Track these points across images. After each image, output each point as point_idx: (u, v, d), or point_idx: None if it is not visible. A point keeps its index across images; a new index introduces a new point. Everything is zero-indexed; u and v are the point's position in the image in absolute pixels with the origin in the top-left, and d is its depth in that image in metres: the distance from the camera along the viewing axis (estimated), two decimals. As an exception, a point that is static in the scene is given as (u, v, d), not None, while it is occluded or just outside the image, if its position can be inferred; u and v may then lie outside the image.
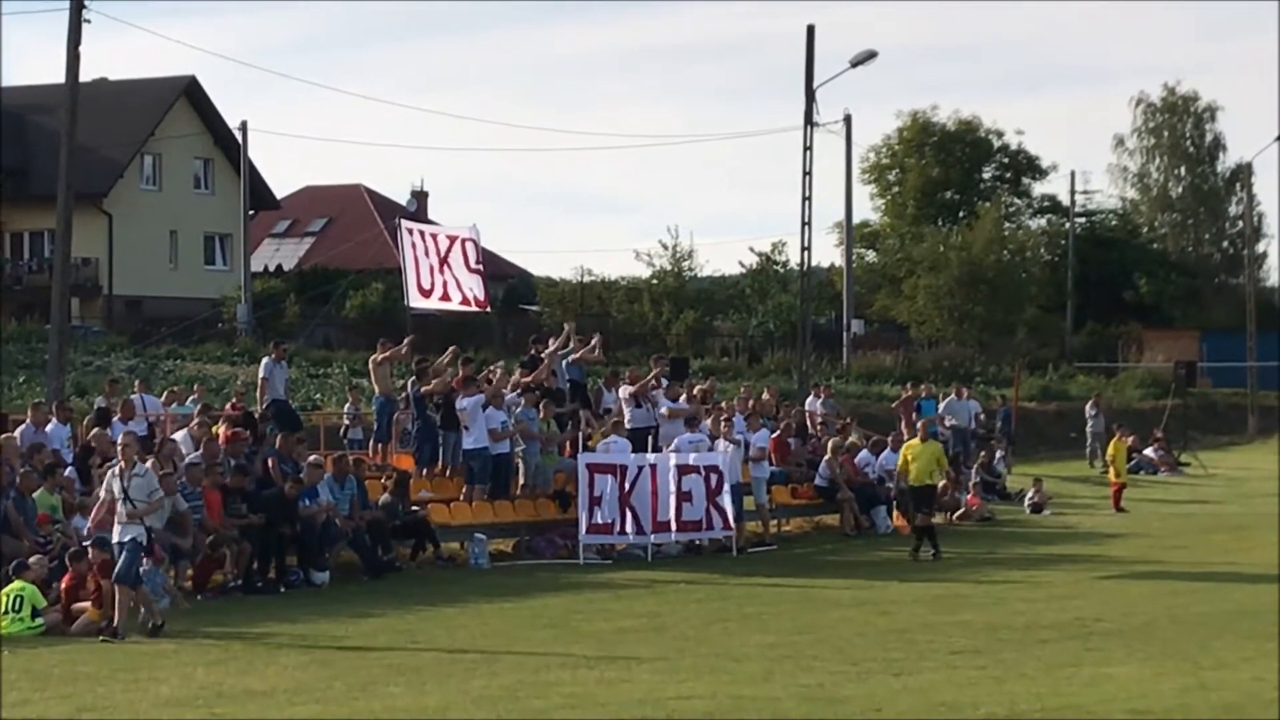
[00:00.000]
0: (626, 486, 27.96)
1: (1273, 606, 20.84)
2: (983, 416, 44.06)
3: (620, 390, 31.95)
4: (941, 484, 36.38)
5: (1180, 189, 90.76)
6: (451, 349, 30.73)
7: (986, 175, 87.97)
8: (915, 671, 16.30)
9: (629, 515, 27.89)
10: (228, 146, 72.32)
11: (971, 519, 34.76)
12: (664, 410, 30.92)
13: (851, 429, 36.86)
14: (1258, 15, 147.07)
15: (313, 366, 51.99)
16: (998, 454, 41.39)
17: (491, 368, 32.19)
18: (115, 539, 19.47)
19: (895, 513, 31.76)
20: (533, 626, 20.15)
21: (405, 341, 29.62)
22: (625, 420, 30.69)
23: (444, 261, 30.06)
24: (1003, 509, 37.11)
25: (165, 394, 34.21)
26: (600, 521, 27.82)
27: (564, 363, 31.77)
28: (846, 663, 16.88)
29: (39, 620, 19.69)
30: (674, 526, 28.20)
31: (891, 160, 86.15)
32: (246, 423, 27.41)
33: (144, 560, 19.51)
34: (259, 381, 29.87)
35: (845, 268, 68.68)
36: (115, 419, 27.25)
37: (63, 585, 20.36)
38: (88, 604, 19.91)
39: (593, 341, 32.57)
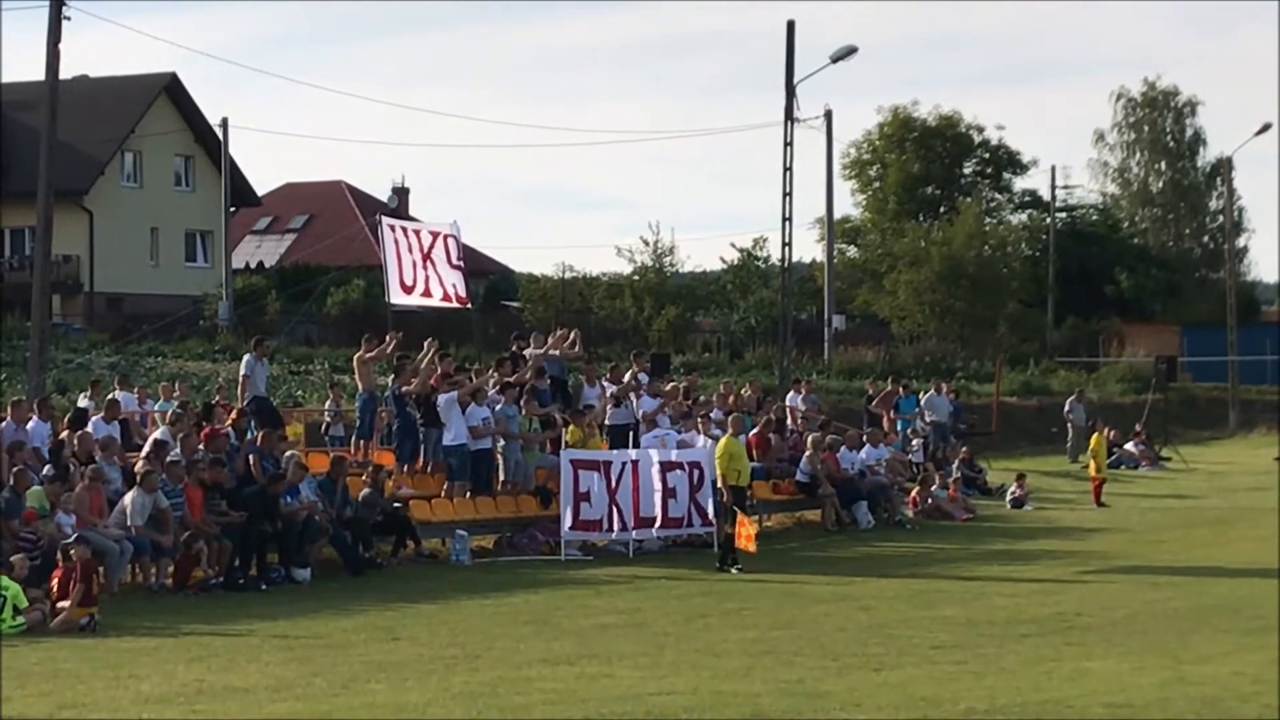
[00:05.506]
0: (613, 482, 27.95)
1: (1252, 600, 20.92)
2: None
3: (603, 387, 31.97)
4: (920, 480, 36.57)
5: (1161, 184, 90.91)
6: (429, 342, 30.43)
7: (967, 170, 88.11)
8: (895, 667, 16.31)
9: (615, 511, 27.88)
10: (208, 143, 72.27)
11: (955, 516, 34.65)
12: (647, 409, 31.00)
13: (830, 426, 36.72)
14: (1238, 11, 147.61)
15: (294, 363, 51.96)
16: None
17: (476, 366, 32.13)
18: None
19: (739, 519, 25.68)
20: (514, 623, 20.14)
21: (390, 340, 29.58)
22: (606, 418, 30.74)
23: (426, 258, 30.13)
24: (984, 504, 37.17)
25: (159, 388, 34.17)
26: (588, 518, 27.78)
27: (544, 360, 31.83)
28: (827, 658, 16.90)
29: (20, 619, 19.65)
30: (659, 522, 28.21)
31: (872, 156, 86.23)
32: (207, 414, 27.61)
33: None
34: (240, 378, 29.87)
35: (826, 263, 68.73)
36: (96, 418, 27.26)
37: (53, 581, 20.36)
38: (68, 601, 19.90)
39: (570, 337, 32.56)
